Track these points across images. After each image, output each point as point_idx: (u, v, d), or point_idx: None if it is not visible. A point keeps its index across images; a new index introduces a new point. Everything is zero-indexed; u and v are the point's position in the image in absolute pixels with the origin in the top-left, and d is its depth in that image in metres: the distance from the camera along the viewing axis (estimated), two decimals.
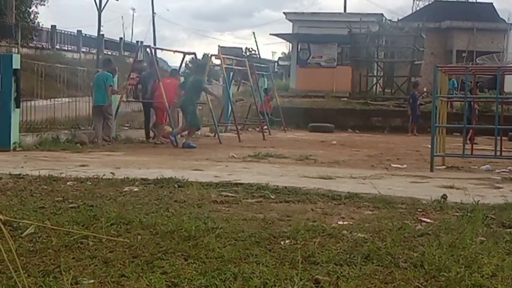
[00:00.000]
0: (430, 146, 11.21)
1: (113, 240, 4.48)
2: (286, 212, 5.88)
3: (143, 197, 6.52)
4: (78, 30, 43.15)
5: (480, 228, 5.20)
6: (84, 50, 42.62)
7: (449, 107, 18.79)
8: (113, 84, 15.61)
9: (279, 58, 64.92)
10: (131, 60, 25.77)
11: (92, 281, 3.63)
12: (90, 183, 7.42)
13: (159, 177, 7.79)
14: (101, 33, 43.19)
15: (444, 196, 6.88)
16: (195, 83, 15.70)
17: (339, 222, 5.47)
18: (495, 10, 42.97)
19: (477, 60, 33.35)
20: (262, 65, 29.00)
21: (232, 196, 6.73)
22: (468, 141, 16.35)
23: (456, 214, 5.96)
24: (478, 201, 6.43)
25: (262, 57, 43.85)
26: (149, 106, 16.56)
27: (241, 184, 7.60)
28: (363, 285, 3.61)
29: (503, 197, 7.06)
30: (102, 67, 16.26)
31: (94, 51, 41.54)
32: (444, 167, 11.47)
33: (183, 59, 19.28)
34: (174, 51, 19.58)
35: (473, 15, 39.05)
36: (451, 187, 8.10)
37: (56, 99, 15.98)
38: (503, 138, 13.06)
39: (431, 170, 10.62)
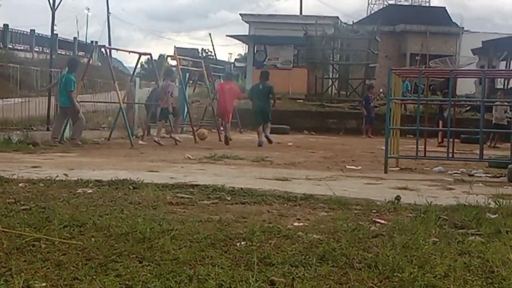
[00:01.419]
0: (384, 148, 11.33)
1: (66, 243, 4.41)
2: (242, 213, 5.88)
3: (97, 198, 6.44)
4: (31, 29, 42.42)
5: (433, 229, 5.27)
6: (37, 49, 41.87)
7: (403, 109, 19.05)
8: (73, 90, 15.18)
9: (236, 59, 64.89)
10: (85, 60, 25.41)
11: (44, 284, 3.56)
12: (42, 185, 7.30)
13: (113, 179, 7.71)
14: (55, 32, 42.53)
15: (398, 197, 6.97)
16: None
17: (294, 224, 5.49)
18: (448, 15, 43.69)
19: (430, 63, 33.85)
20: (219, 67, 29.00)
21: (187, 198, 6.70)
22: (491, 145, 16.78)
23: (410, 215, 6.03)
24: (431, 202, 6.53)
25: (218, 58, 43.81)
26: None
27: (197, 185, 7.58)
28: (318, 286, 3.62)
29: (455, 198, 7.18)
30: (68, 68, 15.68)
31: (48, 50, 40.88)
32: (398, 168, 11.61)
33: (138, 59, 19.14)
34: (130, 52, 19.41)
35: (427, 19, 39.63)
36: (405, 188, 8.21)
37: (8, 99, 15.69)
38: (455, 140, 13.28)
39: (385, 172, 10.74)
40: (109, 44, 56.06)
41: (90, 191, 6.98)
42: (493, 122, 19.24)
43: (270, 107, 17.54)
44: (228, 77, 19.80)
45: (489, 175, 10.74)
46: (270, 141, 17.05)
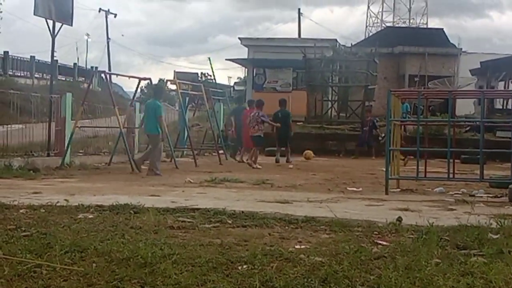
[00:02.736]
0: (384, 169, 11.32)
1: (67, 269, 4.40)
2: (243, 236, 5.86)
3: (98, 224, 6.43)
4: (31, 56, 42.62)
5: (435, 250, 5.26)
6: (38, 76, 42.04)
7: (403, 131, 19.06)
8: (163, 115, 15.67)
9: (235, 83, 65.04)
10: (85, 85, 25.51)
11: None
12: (43, 211, 7.28)
13: (114, 204, 7.70)
14: (55, 58, 42.72)
15: (399, 219, 6.95)
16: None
17: (296, 246, 5.47)
18: (446, 36, 43.85)
19: (428, 84, 33.93)
20: (218, 90, 29.09)
21: (189, 222, 6.69)
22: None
23: (412, 236, 6.02)
24: (433, 223, 6.51)
25: (218, 82, 43.96)
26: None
27: (198, 209, 7.57)
28: None
29: (457, 219, 7.17)
30: (154, 95, 16.08)
31: (48, 77, 41.01)
32: (398, 189, 11.59)
33: (138, 84, 19.18)
34: (130, 77, 19.49)
35: (425, 41, 39.76)
36: (406, 210, 8.19)
37: (8, 126, 15.71)
38: (456, 160, 13.26)
39: (386, 193, 10.73)
40: (109, 69, 56.39)
41: (91, 216, 6.97)
42: None
43: (289, 133, 19.51)
44: (251, 103, 20.13)
45: (490, 195, 10.72)
46: (289, 161, 19.12)
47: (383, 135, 20.62)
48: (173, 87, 21.45)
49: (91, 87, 19.22)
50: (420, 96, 13.46)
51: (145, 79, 19.22)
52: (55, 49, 17.12)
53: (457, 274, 4.44)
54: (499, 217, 7.05)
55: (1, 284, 4.06)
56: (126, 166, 15.84)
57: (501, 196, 10.43)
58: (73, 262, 4.64)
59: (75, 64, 52.94)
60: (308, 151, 21.21)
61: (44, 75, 41.90)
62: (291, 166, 18.14)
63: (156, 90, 16.05)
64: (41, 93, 19.27)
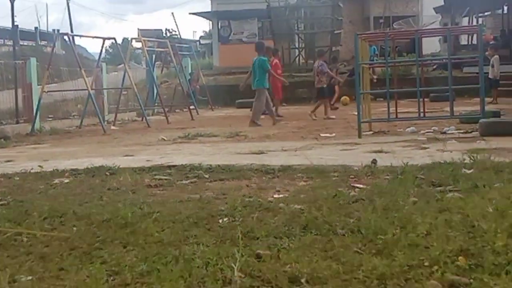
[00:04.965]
0: (356, 114, 11.38)
1: (48, 235, 4.38)
2: (221, 190, 5.89)
3: (74, 188, 6.41)
4: None
5: (412, 189, 5.33)
6: None
7: (372, 74, 19.10)
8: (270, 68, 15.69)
9: (201, 37, 64.34)
10: (48, 49, 25.07)
11: (30, 277, 3.53)
12: (18, 178, 7.22)
13: (89, 166, 7.66)
14: (15, 23, 41.82)
15: (374, 161, 7.02)
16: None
17: (275, 196, 5.51)
18: None
19: (394, 25, 33.88)
20: (184, 45, 28.76)
21: (166, 179, 6.69)
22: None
23: (387, 177, 6.09)
24: (407, 162, 6.59)
25: (183, 37, 43.32)
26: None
27: (174, 166, 7.57)
28: (303, 255, 3.64)
29: (430, 157, 7.26)
30: (258, 53, 15.74)
31: (10, 42, 40.23)
32: (371, 132, 11.68)
33: (102, 44, 18.84)
34: (93, 37, 19.20)
35: None
36: (380, 151, 8.27)
37: None
38: (425, 99, 13.36)
39: (359, 137, 10.80)
40: (71, 31, 55.24)
41: (67, 180, 6.93)
42: (489, 77, 19.42)
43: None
44: (275, 52, 19.68)
45: (461, 131, 10.86)
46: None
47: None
48: (139, 45, 21.13)
49: (54, 50, 18.83)
50: (387, 37, 13.46)
51: (109, 38, 18.93)
52: (14, 14, 16.75)
53: (435, 211, 4.51)
54: (472, 152, 7.16)
55: None
56: (98, 128, 15.73)
57: (472, 131, 10.57)
58: (53, 227, 4.61)
59: (36, 28, 51.81)
60: (345, 97, 20.45)
61: (5, 41, 41.09)
62: (262, 117, 18.09)
63: (259, 47, 15.92)
64: (4, 59, 18.91)
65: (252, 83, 15.61)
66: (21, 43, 41.61)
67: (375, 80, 20.80)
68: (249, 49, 25.92)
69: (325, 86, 17.19)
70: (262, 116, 17.54)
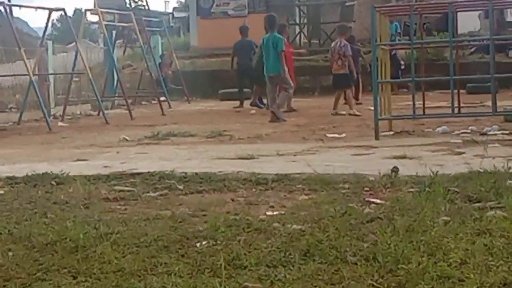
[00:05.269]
0: (373, 108, 11.40)
1: None
2: (199, 205, 5.89)
3: (11, 201, 6.39)
4: None
5: (442, 205, 5.34)
6: None
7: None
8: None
9: (174, 8, 64.49)
10: None
11: None
12: None
13: (30, 174, 7.65)
14: None
15: (395, 169, 7.03)
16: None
17: (267, 213, 5.52)
18: None
19: None
20: (153, 19, 28.78)
21: (128, 191, 6.70)
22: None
23: (412, 190, 6.10)
24: (437, 172, 6.60)
25: (152, 9, 43.50)
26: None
27: (138, 174, 7.58)
28: None
29: (467, 165, 7.27)
30: (270, 28, 15.66)
31: None
32: (392, 132, 11.70)
33: (49, 17, 18.81)
34: (37, 8, 19.14)
35: None
36: (403, 157, 8.29)
37: None
38: (461, 91, 13.38)
39: (377, 138, 10.81)
40: (9, 0, 55.20)
41: (1, 192, 6.91)
42: None
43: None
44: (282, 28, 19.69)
45: (506, 132, 10.88)
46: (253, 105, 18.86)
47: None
48: (95, 18, 21.12)
49: None
50: (413, 11, 13.48)
51: (57, 10, 18.91)
52: None
53: (471, 233, 4.52)
54: None
55: None
56: (42, 125, 15.69)
57: None
58: None
59: None
60: None
61: None
62: (253, 111, 18.14)
63: (271, 21, 15.72)
64: None
65: (265, 68, 15.53)
66: None
67: (402, 67, 20.87)
68: (237, 24, 26.05)
69: (347, 72, 17.18)
70: (253, 111, 17.60)
